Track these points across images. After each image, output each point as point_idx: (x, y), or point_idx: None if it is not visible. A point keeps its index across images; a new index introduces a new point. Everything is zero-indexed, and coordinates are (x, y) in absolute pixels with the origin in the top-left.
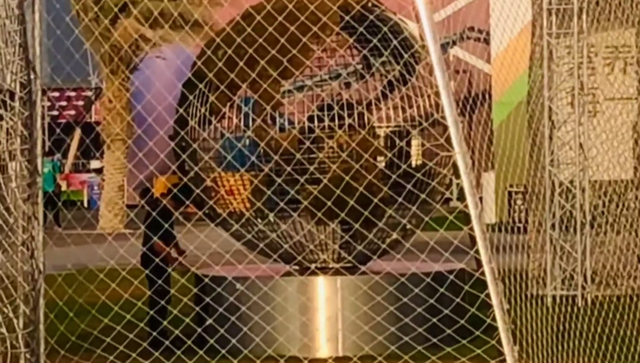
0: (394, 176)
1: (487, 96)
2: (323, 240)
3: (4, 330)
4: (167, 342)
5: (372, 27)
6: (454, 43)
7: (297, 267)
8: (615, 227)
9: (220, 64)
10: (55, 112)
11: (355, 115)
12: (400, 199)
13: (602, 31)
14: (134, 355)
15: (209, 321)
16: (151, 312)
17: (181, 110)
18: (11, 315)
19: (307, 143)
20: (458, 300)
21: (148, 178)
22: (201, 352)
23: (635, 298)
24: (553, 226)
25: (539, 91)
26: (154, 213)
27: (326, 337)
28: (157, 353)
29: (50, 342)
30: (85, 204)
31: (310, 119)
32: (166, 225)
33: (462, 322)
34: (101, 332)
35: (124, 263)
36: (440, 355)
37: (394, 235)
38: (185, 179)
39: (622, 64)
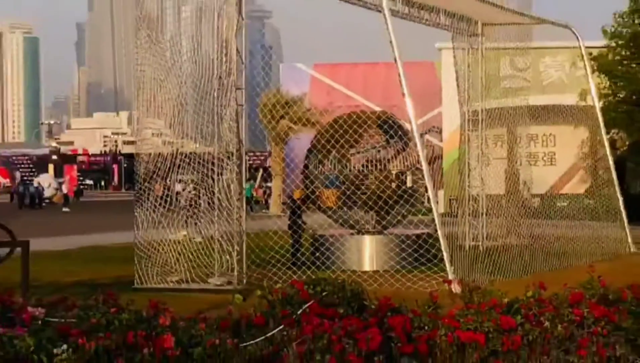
0: (399, 191)
1: (441, 156)
2: (368, 219)
3: (228, 257)
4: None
5: (389, 126)
6: (427, 133)
7: (356, 230)
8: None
9: (322, 141)
10: (250, 161)
11: (382, 165)
12: (401, 201)
13: (491, 128)
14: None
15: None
16: (292, 250)
17: (306, 161)
18: (230, 249)
19: (360, 176)
20: (426, 247)
21: (291, 190)
22: (314, 268)
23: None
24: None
25: (463, 154)
26: (296, 207)
27: (368, 261)
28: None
29: (247, 262)
30: (264, 202)
31: (363, 166)
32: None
33: (428, 256)
34: (271, 259)
35: (280, 228)
36: (418, 271)
37: (399, 217)
38: (307, 192)
39: (500, 142)
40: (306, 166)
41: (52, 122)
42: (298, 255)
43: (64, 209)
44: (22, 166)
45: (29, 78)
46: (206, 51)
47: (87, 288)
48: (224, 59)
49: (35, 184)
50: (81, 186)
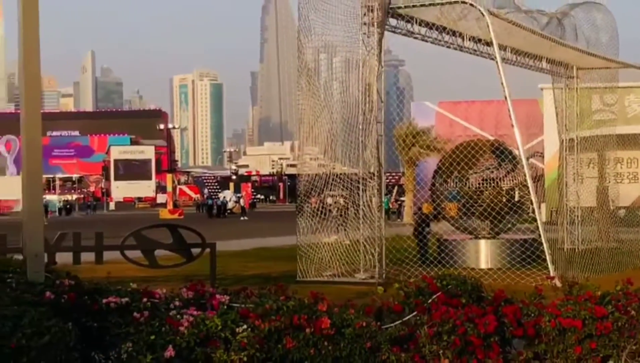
0: (509, 204)
1: (543, 176)
2: (484, 227)
3: (370, 256)
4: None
5: (500, 151)
6: (531, 157)
7: (473, 236)
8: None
9: (446, 164)
10: (387, 180)
11: (495, 182)
12: (510, 212)
13: (584, 152)
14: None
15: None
16: (420, 250)
17: (433, 180)
18: (372, 250)
19: (477, 192)
20: (532, 249)
21: (421, 204)
22: (440, 266)
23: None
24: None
25: (562, 174)
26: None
27: (484, 260)
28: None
29: (386, 261)
30: (398, 213)
31: (479, 183)
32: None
33: (534, 257)
34: (405, 258)
35: (411, 234)
36: (525, 269)
37: (509, 225)
38: (434, 205)
39: (592, 164)
40: (433, 184)
41: (232, 149)
42: (427, 255)
43: (242, 218)
44: (209, 183)
45: (214, 115)
46: (352, 92)
47: (261, 280)
48: (367, 99)
49: (221, 199)
50: (255, 200)
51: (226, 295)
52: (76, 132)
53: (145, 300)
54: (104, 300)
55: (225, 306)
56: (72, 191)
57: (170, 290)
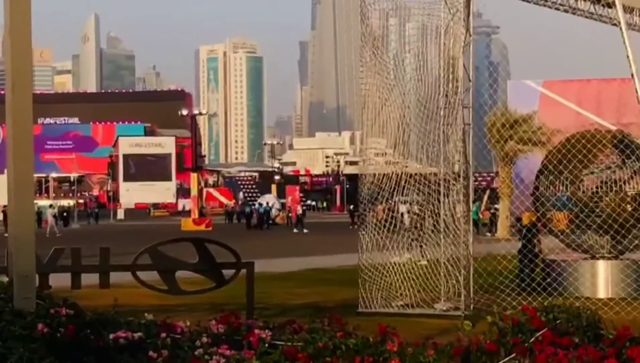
0: (636, 214)
1: None
2: (603, 244)
3: (454, 281)
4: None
5: (625, 145)
6: None
7: (589, 255)
8: None
9: (554, 162)
10: (476, 183)
11: (618, 186)
12: (638, 225)
13: None
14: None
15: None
16: (522, 275)
17: (536, 183)
18: (456, 273)
19: (594, 198)
20: None
21: (520, 213)
22: (545, 294)
23: None
24: None
25: None
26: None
27: (603, 288)
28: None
29: (475, 287)
30: (490, 225)
31: (597, 187)
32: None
33: None
34: (499, 284)
35: (508, 252)
36: None
37: (636, 242)
38: (537, 214)
39: None
40: (536, 188)
41: (274, 142)
42: (528, 280)
43: (297, 230)
44: (245, 186)
45: (252, 97)
46: (431, 69)
47: (312, 310)
48: (450, 77)
49: (264, 205)
50: (304, 207)
51: (267, 330)
52: (75, 120)
53: (164, 335)
54: (112, 335)
55: (267, 345)
56: (70, 194)
57: (196, 323)
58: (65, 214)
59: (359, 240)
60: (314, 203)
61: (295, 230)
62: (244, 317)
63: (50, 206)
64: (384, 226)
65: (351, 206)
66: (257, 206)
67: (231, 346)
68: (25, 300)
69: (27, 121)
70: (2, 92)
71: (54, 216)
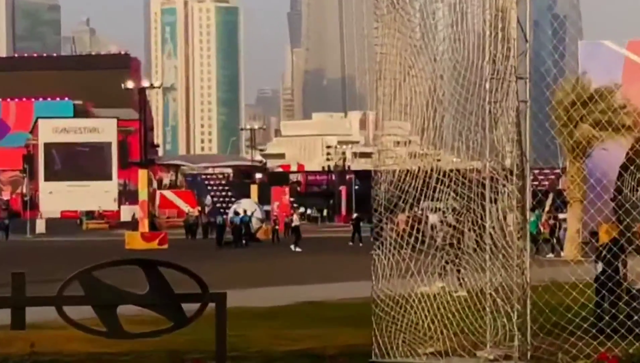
0: None
1: None
2: None
3: (505, 319)
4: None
5: None
6: None
7: None
8: None
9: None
10: (535, 183)
11: None
12: None
13: None
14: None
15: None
16: (598, 311)
17: (618, 182)
18: (509, 309)
19: None
20: None
21: (596, 224)
22: (630, 337)
23: None
24: None
25: None
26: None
27: None
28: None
29: (533, 327)
30: (555, 241)
31: None
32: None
33: None
34: (568, 323)
35: (580, 279)
36: None
37: None
38: (620, 227)
39: None
40: (618, 190)
41: (255, 126)
42: (607, 318)
43: (294, 248)
44: (214, 187)
45: (224, 64)
46: (473, 25)
47: (308, 360)
48: (499, 36)
49: (241, 213)
50: (293, 218)
51: None
52: None
53: None
54: None
55: None
56: None
57: None
58: None
59: (372, 263)
60: (309, 210)
61: (294, 248)
62: None
63: None
64: (408, 243)
65: (354, 216)
66: (231, 215)
67: None
68: None
69: None
70: None
71: None
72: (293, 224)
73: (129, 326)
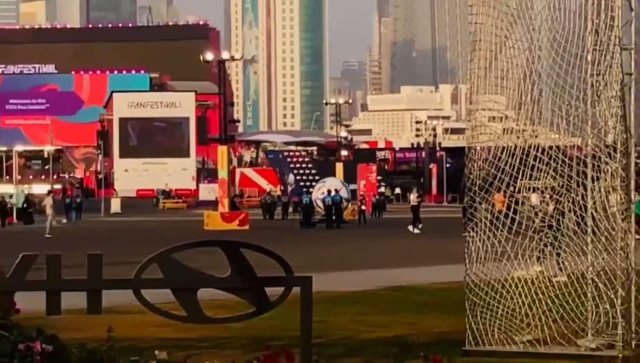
0: None
1: None
2: None
3: (607, 306)
4: None
5: None
6: None
7: None
8: None
9: None
10: None
11: None
12: None
13: None
14: None
15: None
16: None
17: None
18: (612, 295)
19: None
20: None
21: None
22: None
23: None
24: None
25: None
26: None
27: None
28: None
29: (638, 315)
30: None
31: None
32: None
33: None
34: None
35: None
36: None
37: None
38: None
39: None
40: None
41: (340, 101)
42: None
43: (412, 229)
44: (297, 165)
45: (308, 35)
46: None
47: (397, 347)
48: (602, 4)
49: (332, 193)
50: (381, 197)
51: None
52: (50, 68)
53: None
54: None
55: None
56: (43, 176)
57: None
58: (25, 206)
59: (466, 246)
60: (397, 189)
61: (413, 230)
62: (299, 358)
63: (49, 192)
64: (504, 225)
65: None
66: (320, 195)
67: None
68: None
69: None
70: None
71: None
72: (411, 204)
73: (209, 310)
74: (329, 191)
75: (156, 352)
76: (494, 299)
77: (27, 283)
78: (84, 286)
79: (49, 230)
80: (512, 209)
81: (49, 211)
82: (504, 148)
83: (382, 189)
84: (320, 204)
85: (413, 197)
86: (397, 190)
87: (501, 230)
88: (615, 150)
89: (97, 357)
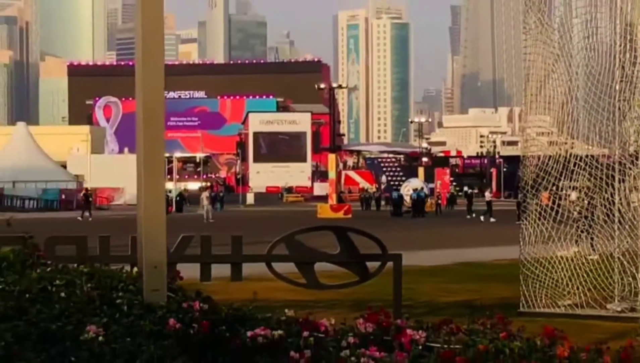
0: None
1: None
2: None
3: (630, 278)
4: None
5: None
6: None
7: None
8: None
9: None
10: None
11: None
12: None
13: None
14: None
15: None
16: None
17: None
18: (634, 270)
19: None
20: None
21: None
22: None
23: None
24: None
25: None
26: None
27: None
28: None
29: None
30: None
31: None
32: None
33: None
34: None
35: None
36: None
37: None
38: None
39: None
40: None
41: (422, 120)
42: None
43: (482, 218)
44: (389, 169)
45: (397, 69)
46: (604, 36)
47: (466, 309)
48: (627, 46)
49: (418, 190)
50: (454, 193)
51: (421, 330)
52: (201, 93)
53: (306, 334)
54: (249, 333)
55: (420, 347)
56: (195, 176)
57: (341, 321)
58: (178, 198)
59: (520, 231)
60: (465, 188)
61: (486, 219)
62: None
63: (204, 188)
64: (549, 216)
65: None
66: (407, 191)
67: (381, 348)
68: (155, 292)
69: (159, 98)
70: (120, 62)
71: (210, 198)
72: (486, 199)
73: (323, 279)
74: (415, 189)
75: (286, 310)
76: (542, 272)
77: (186, 257)
78: (228, 260)
79: (210, 216)
80: (556, 204)
81: (205, 202)
82: (550, 156)
83: (452, 188)
84: (407, 198)
85: (488, 194)
86: (466, 188)
87: (547, 220)
88: (637, 158)
89: (241, 314)
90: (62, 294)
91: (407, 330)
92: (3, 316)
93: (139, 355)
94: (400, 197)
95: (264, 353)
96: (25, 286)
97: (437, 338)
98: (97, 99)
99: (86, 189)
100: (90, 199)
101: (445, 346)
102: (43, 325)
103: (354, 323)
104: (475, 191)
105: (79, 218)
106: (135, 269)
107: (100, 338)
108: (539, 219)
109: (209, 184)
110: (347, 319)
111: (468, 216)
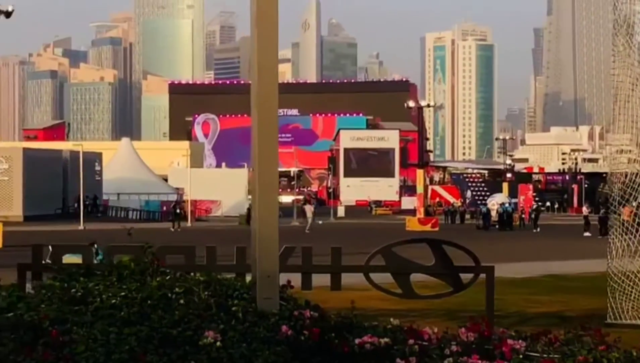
0: None
1: None
2: None
3: None
4: None
5: None
6: None
7: None
8: None
9: None
10: None
11: None
12: None
13: None
14: None
15: None
16: None
17: None
18: None
19: None
20: None
21: None
22: None
23: None
24: None
25: None
26: None
27: None
28: None
29: None
30: None
31: None
32: None
33: None
34: None
35: None
36: None
37: None
38: None
39: None
40: None
41: (505, 137)
42: None
43: (585, 233)
44: (473, 184)
45: (482, 89)
46: None
47: (554, 320)
48: None
49: (505, 204)
50: (538, 207)
51: (521, 340)
52: (294, 111)
53: (411, 342)
54: (357, 340)
55: (521, 356)
56: (289, 190)
57: (443, 330)
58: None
59: (608, 245)
60: (548, 203)
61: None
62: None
63: (308, 200)
64: (636, 230)
65: (602, 211)
66: (492, 206)
67: (482, 356)
68: (268, 300)
69: (273, 117)
70: (217, 81)
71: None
72: (583, 214)
73: (417, 289)
74: (501, 204)
75: (391, 319)
76: (628, 285)
77: (288, 267)
78: (328, 270)
79: (309, 226)
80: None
81: (309, 214)
82: (637, 174)
83: (535, 204)
84: (494, 213)
85: (585, 209)
86: (548, 204)
87: (634, 234)
88: None
89: (348, 321)
90: (181, 301)
91: (507, 339)
92: (127, 321)
93: (254, 361)
94: (488, 211)
95: (371, 359)
96: (147, 294)
97: (536, 347)
98: (196, 116)
99: (176, 202)
100: (179, 211)
101: (545, 355)
102: (164, 330)
103: (456, 332)
104: (556, 206)
105: (171, 229)
106: (248, 278)
107: (218, 343)
108: (625, 233)
109: (312, 196)
110: (449, 328)
111: (534, 231)
